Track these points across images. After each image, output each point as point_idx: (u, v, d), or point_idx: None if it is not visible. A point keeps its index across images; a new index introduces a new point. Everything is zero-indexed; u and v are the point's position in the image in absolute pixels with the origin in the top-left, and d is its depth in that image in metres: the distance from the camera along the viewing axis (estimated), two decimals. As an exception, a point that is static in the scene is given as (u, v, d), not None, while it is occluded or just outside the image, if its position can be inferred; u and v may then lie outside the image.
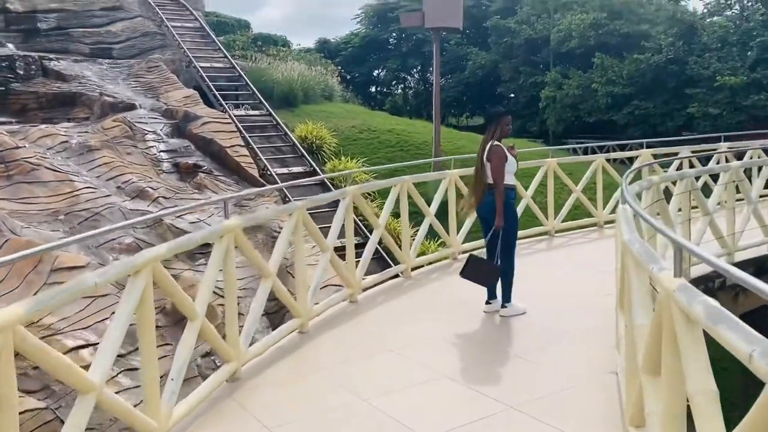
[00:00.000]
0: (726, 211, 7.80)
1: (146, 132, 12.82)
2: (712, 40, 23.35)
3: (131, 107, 14.00)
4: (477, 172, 5.76)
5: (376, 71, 42.06)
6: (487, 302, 5.89)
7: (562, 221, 10.15)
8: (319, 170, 14.67)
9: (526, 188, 9.68)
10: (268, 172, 14.14)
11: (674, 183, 7.41)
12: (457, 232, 8.38)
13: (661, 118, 24.19)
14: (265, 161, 14.42)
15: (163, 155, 12.38)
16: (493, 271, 5.61)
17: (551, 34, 31.21)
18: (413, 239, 7.77)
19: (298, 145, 15.61)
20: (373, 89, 44.14)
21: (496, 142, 5.70)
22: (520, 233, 7.09)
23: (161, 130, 13.26)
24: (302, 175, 14.19)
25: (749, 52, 22.31)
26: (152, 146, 12.52)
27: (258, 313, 4.69)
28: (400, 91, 45.13)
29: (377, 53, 40.30)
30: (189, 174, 12.07)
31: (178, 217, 9.87)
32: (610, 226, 10.49)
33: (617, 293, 4.78)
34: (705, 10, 26.25)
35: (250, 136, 15.05)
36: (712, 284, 6.86)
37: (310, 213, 5.36)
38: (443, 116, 36.53)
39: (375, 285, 6.89)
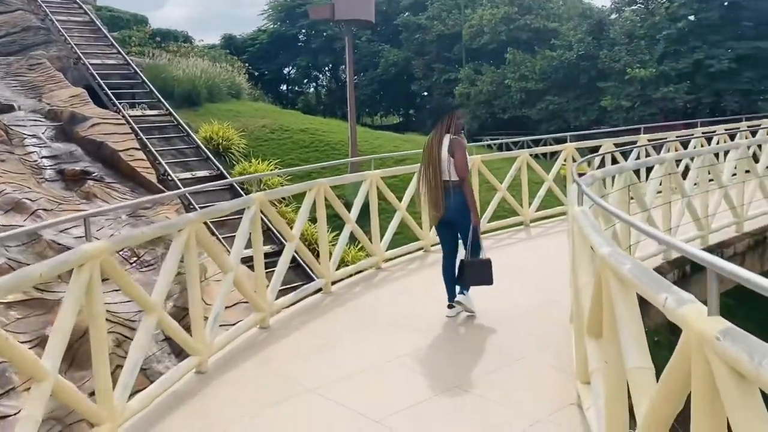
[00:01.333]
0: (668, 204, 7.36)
1: (25, 136, 11.32)
2: (620, 34, 23.64)
3: (9, 108, 12.41)
4: (433, 172, 5.27)
5: (287, 69, 40.80)
6: (450, 306, 5.45)
7: (488, 221, 9.52)
8: (226, 173, 13.54)
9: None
10: (169, 178, 12.91)
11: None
12: (381, 239, 7.57)
13: (574, 112, 24.33)
14: (165, 165, 13.17)
15: (46, 161, 10.92)
16: (488, 264, 5.33)
17: (463, 30, 31.02)
18: (333, 248, 6.88)
19: (203, 146, 14.41)
20: (284, 87, 42.85)
21: (454, 135, 5.33)
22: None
23: (43, 133, 11.78)
24: (208, 179, 13.00)
25: (656, 45, 22.70)
26: (32, 152, 11.04)
27: (136, 361, 3.68)
28: (312, 89, 44.07)
29: (287, 50, 39.01)
30: (76, 182, 10.67)
31: (62, 231, 8.60)
32: (535, 224, 10.02)
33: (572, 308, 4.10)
34: (612, 6, 26.65)
35: (147, 138, 13.74)
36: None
37: (217, 221, 4.37)
38: (358, 116, 35.88)
39: (291, 305, 5.96)
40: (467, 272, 5.29)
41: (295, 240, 5.88)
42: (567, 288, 5.27)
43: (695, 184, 8.02)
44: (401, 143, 21.08)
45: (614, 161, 10.10)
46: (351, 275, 7.04)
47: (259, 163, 14.43)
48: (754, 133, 16.00)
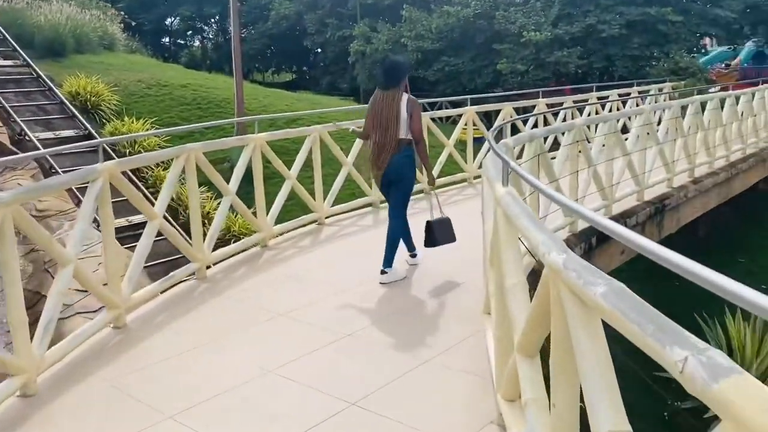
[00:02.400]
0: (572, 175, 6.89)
1: None
2: (515, -6, 23.39)
3: None
4: (385, 131, 5.19)
5: (169, 19, 37.99)
6: (383, 271, 5.27)
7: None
8: (96, 134, 12.03)
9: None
10: (26, 138, 11.32)
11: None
12: (267, 213, 6.67)
13: (470, 75, 23.91)
14: (21, 123, 11.55)
15: None
16: (449, 222, 5.58)
17: (357, -16, 29.87)
18: (208, 228, 5.91)
19: (68, 103, 12.77)
20: (166, 40, 40.01)
21: (408, 95, 5.30)
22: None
23: None
24: (74, 139, 11.48)
25: (552, 8, 22.56)
26: None
27: None
28: (197, 43, 41.45)
29: (168, -2, 36.28)
30: None
31: None
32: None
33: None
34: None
35: (0, 93, 12.01)
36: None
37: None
38: (247, 72, 34.04)
39: (156, 296, 4.98)
40: (435, 231, 5.43)
41: (158, 218, 4.87)
42: (479, 276, 4.64)
43: (601, 151, 7.64)
44: (293, 102, 20.01)
45: (513, 127, 9.66)
46: (231, 255, 6.12)
47: (133, 122, 12.95)
48: (642, 99, 16.17)
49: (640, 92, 17.40)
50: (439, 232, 5.43)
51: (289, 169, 7.20)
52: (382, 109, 5.21)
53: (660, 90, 18.40)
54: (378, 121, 5.22)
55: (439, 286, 5.18)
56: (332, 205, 7.78)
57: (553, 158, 7.14)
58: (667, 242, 5.96)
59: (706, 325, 7.79)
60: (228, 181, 6.19)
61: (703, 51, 27.01)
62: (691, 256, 1.28)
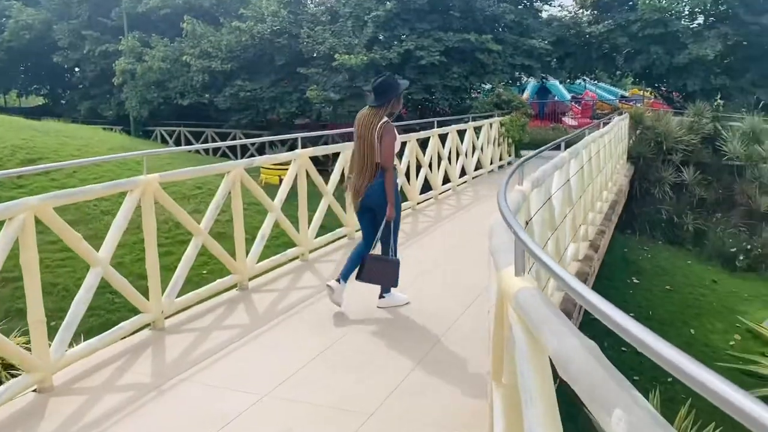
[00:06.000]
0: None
1: None
2: (320, 10, 19.82)
3: None
4: (363, 155, 5.02)
5: None
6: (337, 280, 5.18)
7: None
8: None
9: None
10: None
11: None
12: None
13: (271, 102, 19.83)
14: None
15: None
16: (395, 265, 5.10)
17: (123, -10, 24.38)
18: None
19: None
20: None
21: (386, 118, 5.00)
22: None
23: None
24: None
25: (364, 28, 19.37)
26: None
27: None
28: None
29: None
30: None
31: None
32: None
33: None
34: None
35: None
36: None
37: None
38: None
39: None
40: (367, 266, 5.03)
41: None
42: None
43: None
44: (33, 136, 14.65)
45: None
46: None
47: None
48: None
49: (475, 127, 14.79)
50: (374, 269, 5.02)
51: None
52: (362, 129, 5.02)
53: (491, 126, 15.96)
54: (358, 142, 5.06)
55: None
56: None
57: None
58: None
59: None
60: None
61: (518, 84, 25.83)
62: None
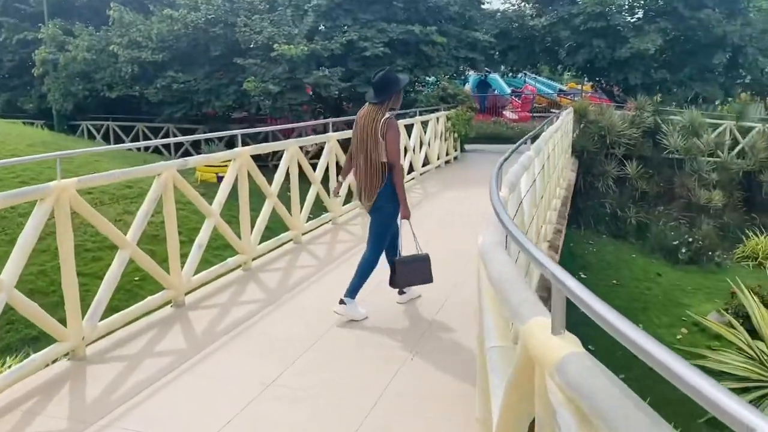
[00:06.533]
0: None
1: None
2: (258, -1, 18.93)
3: None
4: (368, 157, 4.77)
5: None
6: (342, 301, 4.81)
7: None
8: None
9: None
10: None
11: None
12: None
13: (206, 94, 18.83)
14: None
15: None
16: (426, 260, 4.96)
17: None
18: None
19: None
20: None
21: (388, 114, 4.78)
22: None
23: None
24: None
25: (305, 17, 18.60)
26: None
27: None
28: None
29: None
30: None
31: None
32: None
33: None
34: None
35: None
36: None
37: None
38: None
39: None
40: (399, 272, 4.89)
41: None
42: None
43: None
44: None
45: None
46: None
47: None
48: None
49: (422, 122, 14.37)
50: (407, 272, 4.91)
51: None
52: (364, 128, 4.82)
53: (438, 120, 15.56)
54: (360, 142, 4.84)
55: None
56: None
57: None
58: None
59: None
60: None
61: (463, 78, 25.51)
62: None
